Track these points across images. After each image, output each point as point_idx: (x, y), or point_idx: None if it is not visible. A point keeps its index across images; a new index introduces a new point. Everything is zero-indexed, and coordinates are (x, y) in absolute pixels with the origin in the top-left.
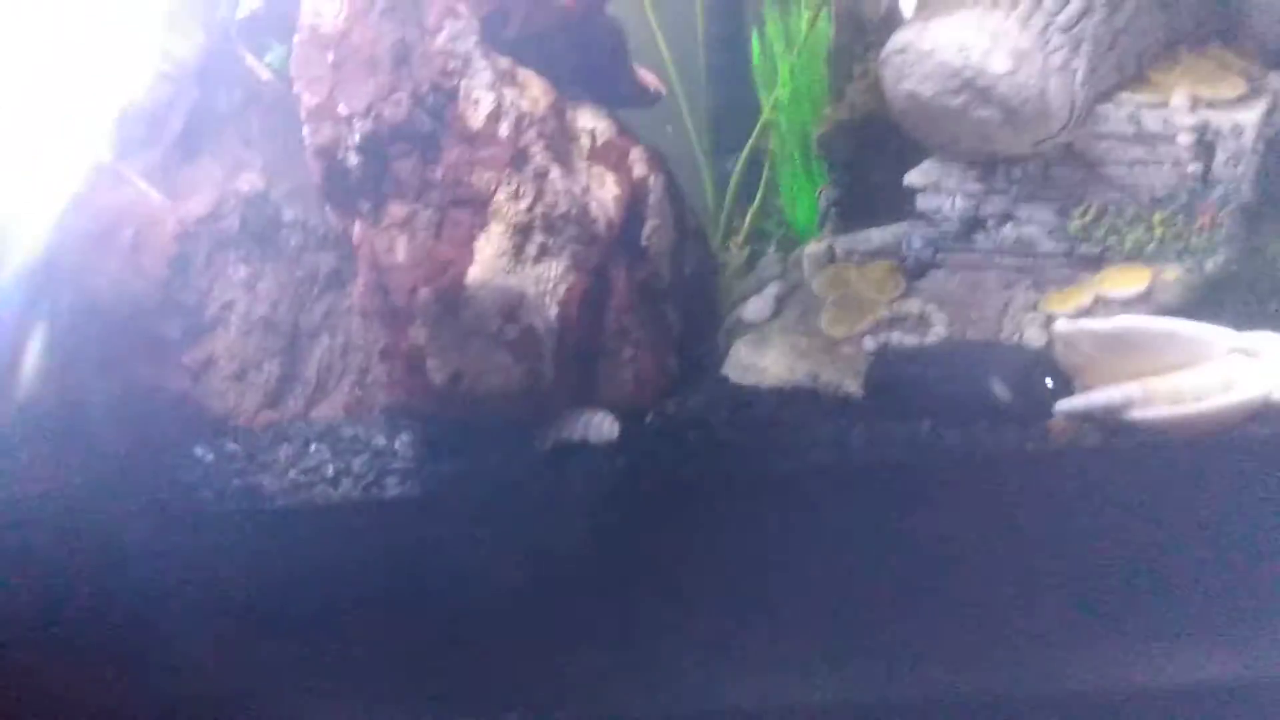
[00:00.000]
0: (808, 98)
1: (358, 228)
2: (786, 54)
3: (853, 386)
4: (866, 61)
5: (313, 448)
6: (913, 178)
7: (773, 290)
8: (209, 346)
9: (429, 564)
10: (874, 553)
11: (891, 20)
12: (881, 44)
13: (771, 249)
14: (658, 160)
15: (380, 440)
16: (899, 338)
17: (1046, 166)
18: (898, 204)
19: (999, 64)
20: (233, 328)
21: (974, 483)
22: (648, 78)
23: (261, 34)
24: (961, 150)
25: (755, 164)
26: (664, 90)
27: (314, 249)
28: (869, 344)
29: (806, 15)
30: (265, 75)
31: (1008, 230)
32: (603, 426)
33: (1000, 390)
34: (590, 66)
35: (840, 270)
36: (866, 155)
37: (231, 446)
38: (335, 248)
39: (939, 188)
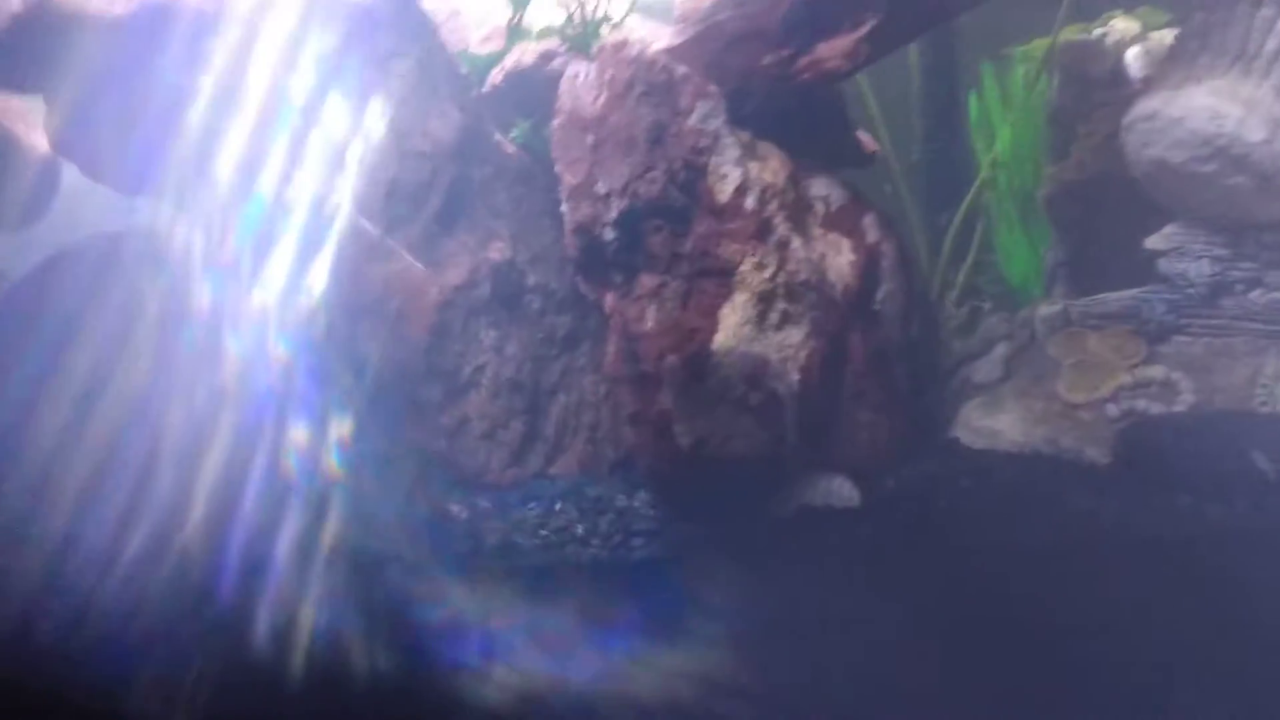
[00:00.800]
0: (1028, 156)
1: (609, 298)
2: (1006, 113)
3: (1096, 454)
4: (1093, 121)
5: (558, 506)
6: (1155, 242)
7: (1001, 351)
8: (463, 408)
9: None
10: (1140, 626)
11: (1118, 80)
12: (1108, 104)
13: (986, 307)
14: (889, 225)
15: (622, 500)
16: (1145, 405)
17: None
18: (1132, 267)
19: (1254, 132)
20: (484, 389)
21: (1242, 559)
22: (864, 139)
23: (504, 109)
24: (1208, 215)
25: (969, 222)
26: (879, 150)
27: (553, 312)
28: (1112, 410)
29: (1025, 73)
30: (510, 150)
31: (1256, 295)
32: (843, 491)
33: (1263, 463)
34: (816, 133)
35: (1077, 334)
36: (1097, 216)
37: (483, 504)
38: (571, 310)
39: (1183, 252)
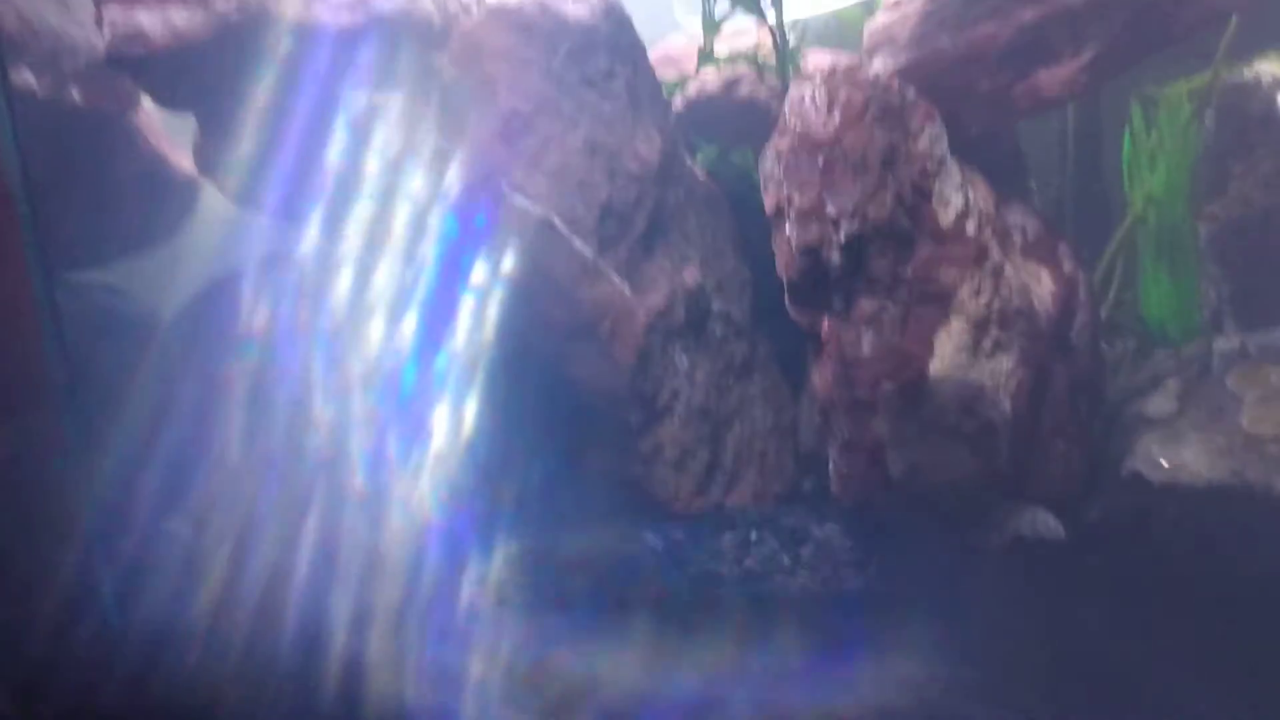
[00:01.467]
0: (1179, 194)
1: (826, 322)
2: (1160, 150)
3: None
4: (1252, 159)
5: (754, 535)
6: None
7: (1173, 386)
8: (659, 434)
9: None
10: None
11: (1272, 120)
12: (1266, 144)
13: (1132, 345)
14: (1080, 256)
15: (818, 530)
16: None
17: None
18: None
19: None
20: (677, 416)
21: None
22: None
23: (687, 133)
24: None
25: (1113, 259)
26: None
27: (732, 339)
28: None
29: (1179, 111)
30: (700, 174)
31: None
32: (1048, 524)
33: None
34: (999, 163)
35: (1258, 367)
36: (1264, 252)
37: (677, 534)
38: (747, 338)
39: None
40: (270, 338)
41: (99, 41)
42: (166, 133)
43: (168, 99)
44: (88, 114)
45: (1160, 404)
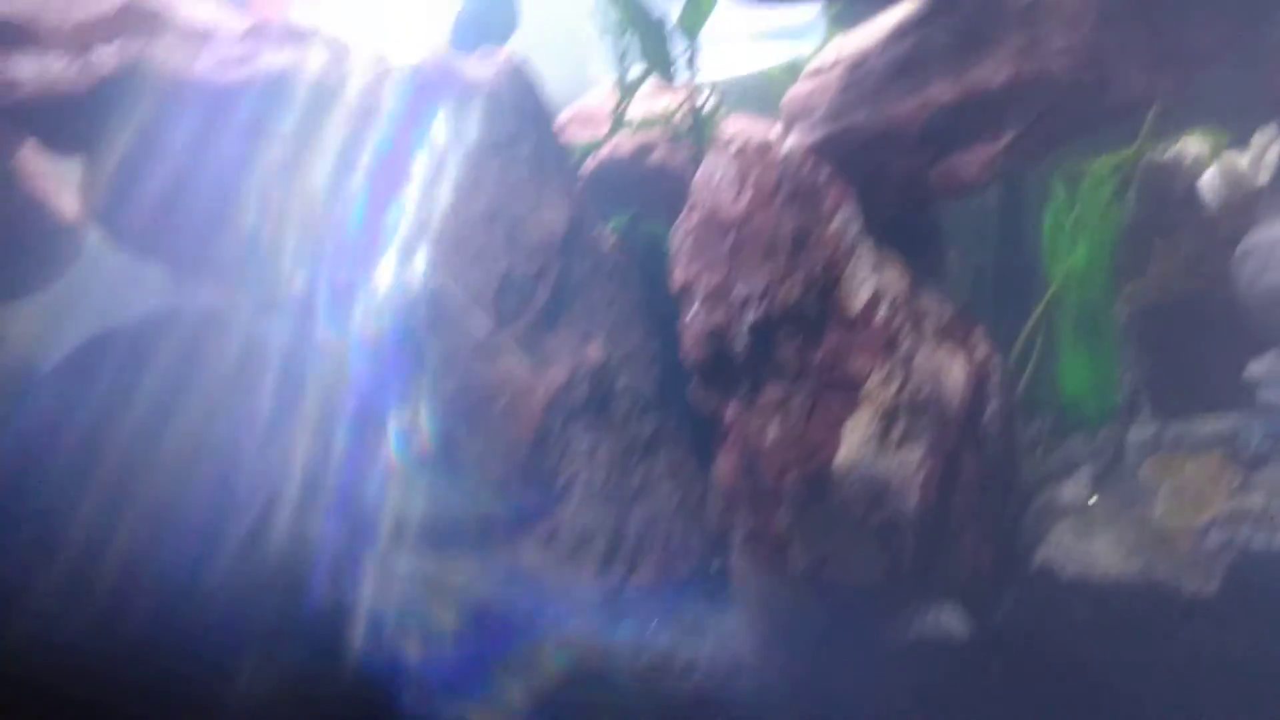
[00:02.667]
0: (1099, 272)
1: (731, 408)
2: (1081, 226)
3: (1197, 585)
4: (1173, 240)
5: (651, 627)
6: (1256, 370)
7: (1087, 473)
8: (557, 518)
9: None
10: None
11: (1194, 201)
12: (1187, 224)
13: (1048, 423)
14: (994, 341)
15: (720, 623)
16: (1248, 535)
17: None
18: (1218, 390)
19: None
20: (576, 498)
21: None
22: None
23: (597, 199)
24: None
25: (1032, 335)
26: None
27: (638, 416)
28: (1213, 540)
29: (1100, 189)
30: (609, 243)
31: None
32: (953, 623)
33: None
34: (916, 242)
35: (1171, 458)
36: (1181, 337)
37: (575, 622)
38: (654, 414)
39: None
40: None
41: None
42: (51, 174)
43: (49, 144)
44: None
45: (1074, 491)
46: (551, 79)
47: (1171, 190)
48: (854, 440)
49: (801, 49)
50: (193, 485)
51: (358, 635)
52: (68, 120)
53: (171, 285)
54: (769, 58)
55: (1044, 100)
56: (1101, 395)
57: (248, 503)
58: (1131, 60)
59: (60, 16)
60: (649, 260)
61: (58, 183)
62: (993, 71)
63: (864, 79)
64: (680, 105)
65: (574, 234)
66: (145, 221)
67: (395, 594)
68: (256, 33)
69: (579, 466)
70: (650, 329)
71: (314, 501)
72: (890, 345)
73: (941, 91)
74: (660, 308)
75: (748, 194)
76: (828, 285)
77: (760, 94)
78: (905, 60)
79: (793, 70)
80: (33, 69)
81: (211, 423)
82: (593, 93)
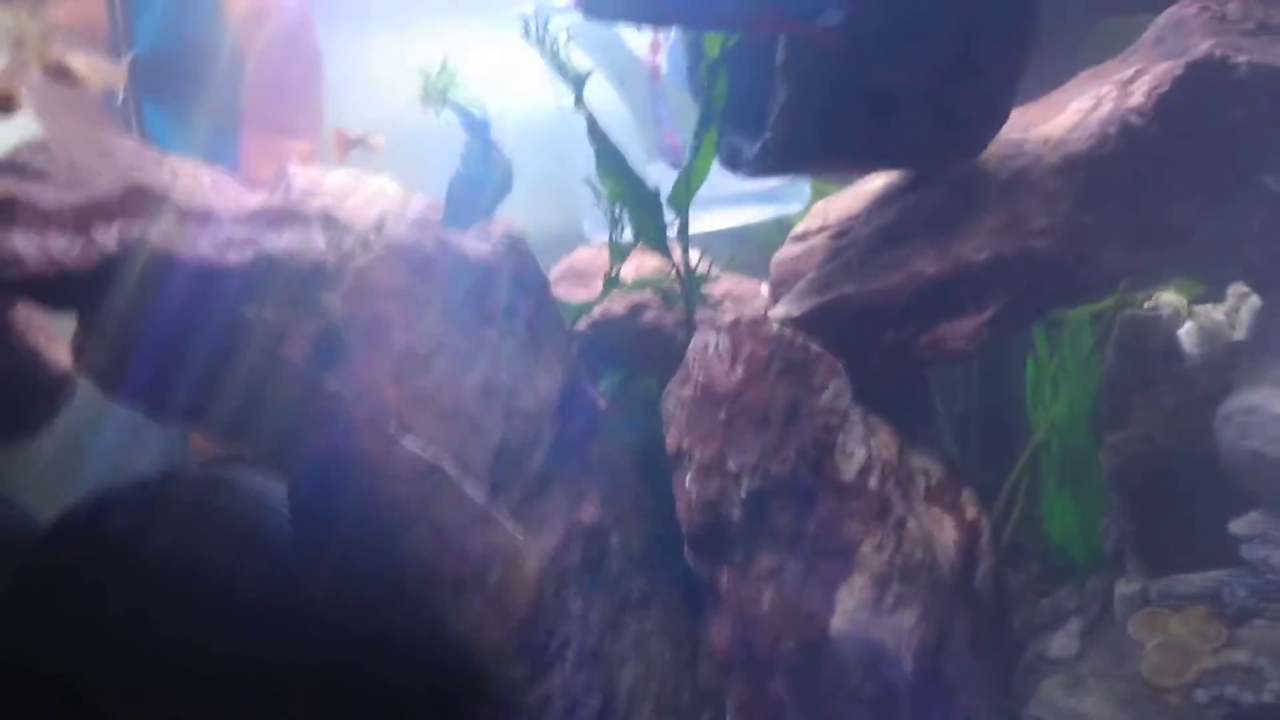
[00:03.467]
0: (1081, 422)
1: (725, 577)
2: (1063, 375)
3: None
4: (1153, 393)
5: None
6: (1239, 527)
7: (1075, 626)
8: (548, 684)
9: None
10: None
11: (1172, 354)
12: (1168, 379)
13: (1035, 571)
14: (978, 487)
15: None
16: (1235, 692)
17: None
18: (1203, 545)
19: None
20: (568, 664)
21: None
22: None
23: (588, 358)
24: None
25: (1016, 484)
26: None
27: (630, 573)
28: (1200, 696)
29: (1081, 341)
30: (601, 404)
31: None
32: None
33: None
34: (905, 405)
35: (1157, 614)
36: (1167, 490)
37: None
38: (644, 572)
39: (1266, 539)
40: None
41: None
42: (44, 326)
43: (47, 308)
44: None
45: (1062, 644)
46: (545, 235)
47: (1150, 342)
48: (849, 607)
49: (785, 210)
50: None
51: None
52: (68, 293)
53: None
54: (753, 216)
55: (1026, 276)
56: (1087, 542)
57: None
58: (1109, 238)
59: (61, 193)
60: (641, 418)
61: (50, 336)
62: (976, 249)
63: (850, 246)
64: (671, 270)
65: (568, 398)
66: (144, 384)
67: None
68: (258, 216)
69: (571, 630)
70: (642, 486)
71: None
72: (882, 512)
73: (927, 264)
74: (651, 465)
75: (740, 368)
76: (820, 456)
77: (744, 249)
78: (890, 229)
79: (778, 227)
80: (33, 246)
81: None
82: (583, 250)
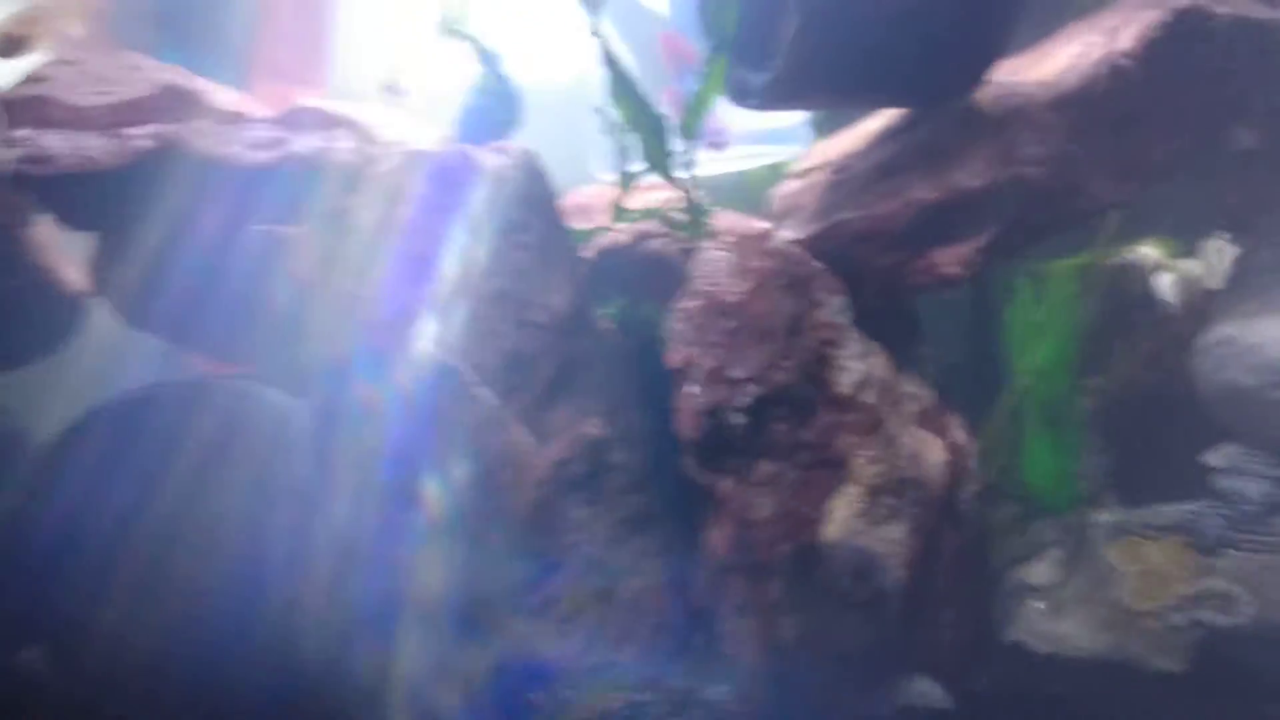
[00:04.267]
0: (1062, 368)
1: (725, 484)
2: (1047, 323)
3: (1166, 662)
4: (1132, 338)
5: (647, 696)
6: (1213, 459)
7: (1056, 555)
8: (549, 588)
9: None
10: None
11: (1151, 302)
12: (1145, 324)
13: (1010, 509)
14: (970, 427)
15: (709, 693)
16: (1210, 616)
17: None
18: (1178, 479)
19: None
20: (570, 569)
21: None
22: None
23: (595, 284)
24: (1271, 438)
25: (999, 427)
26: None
27: (631, 491)
28: (1178, 619)
29: (1063, 290)
30: (606, 325)
31: None
32: (936, 694)
33: None
34: (898, 335)
35: (1136, 544)
36: (1144, 429)
37: (566, 693)
38: (645, 490)
39: (1240, 470)
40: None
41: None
42: (57, 246)
43: (67, 218)
44: None
45: (1043, 572)
46: (551, 170)
47: (1130, 293)
48: (841, 515)
49: (781, 152)
50: (222, 561)
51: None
52: (95, 196)
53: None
54: (752, 159)
55: (1019, 203)
56: (1064, 483)
57: (278, 577)
58: (1098, 169)
59: (93, 96)
60: (643, 342)
61: (63, 255)
62: (971, 176)
63: (849, 180)
64: (677, 199)
65: (575, 316)
66: (169, 301)
67: (406, 671)
68: (288, 118)
69: (574, 539)
70: (642, 409)
71: (344, 576)
72: (875, 427)
73: (923, 191)
74: (652, 389)
75: (747, 281)
76: (819, 368)
77: (741, 193)
78: (888, 163)
79: (774, 172)
80: (67, 144)
81: (240, 496)
82: (588, 186)
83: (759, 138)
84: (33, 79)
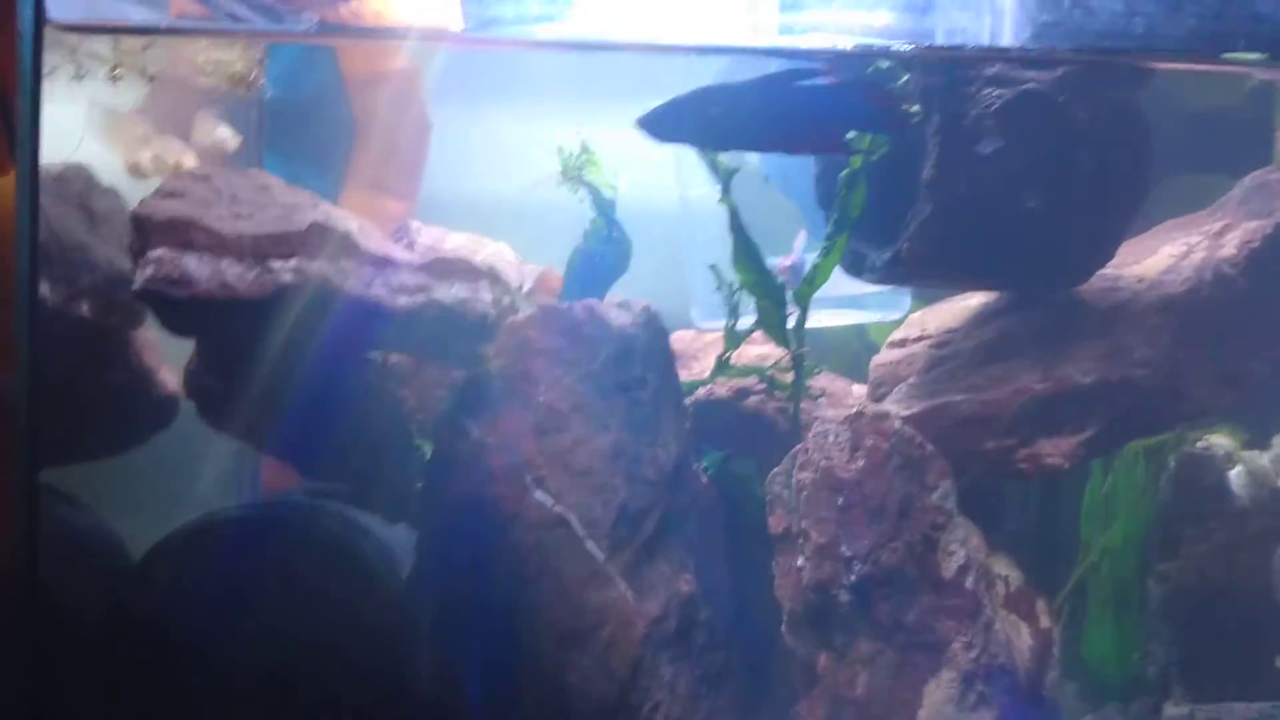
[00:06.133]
0: (1132, 548)
1: (824, 658)
2: (1117, 504)
3: None
4: (1205, 528)
5: None
6: None
7: None
8: None
9: None
10: None
11: (1224, 493)
12: (1218, 515)
13: (1071, 689)
14: (1053, 612)
15: None
16: None
17: None
18: (1245, 677)
19: None
20: None
21: None
22: None
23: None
24: None
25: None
26: None
27: (712, 648)
28: None
29: (1139, 472)
30: (703, 480)
31: None
32: None
33: None
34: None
35: None
36: (1215, 623)
37: None
38: (724, 646)
39: None
40: None
41: (121, 260)
42: (157, 347)
43: (180, 330)
44: (90, 324)
45: None
46: None
47: (1202, 480)
48: (935, 699)
49: (885, 316)
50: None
51: None
52: (218, 319)
53: None
54: (852, 319)
55: (1125, 402)
56: (1122, 667)
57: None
58: (1200, 375)
59: (232, 221)
60: (735, 498)
61: (161, 356)
62: (1081, 371)
63: (954, 357)
64: (780, 359)
65: (680, 471)
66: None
67: None
68: (434, 265)
69: (663, 696)
70: (730, 566)
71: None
72: (974, 612)
73: (1033, 381)
74: (740, 546)
75: (861, 459)
76: (925, 551)
77: (819, 349)
78: (993, 345)
79: (856, 333)
80: (206, 269)
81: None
82: (683, 333)
83: (847, 303)
84: (166, 193)
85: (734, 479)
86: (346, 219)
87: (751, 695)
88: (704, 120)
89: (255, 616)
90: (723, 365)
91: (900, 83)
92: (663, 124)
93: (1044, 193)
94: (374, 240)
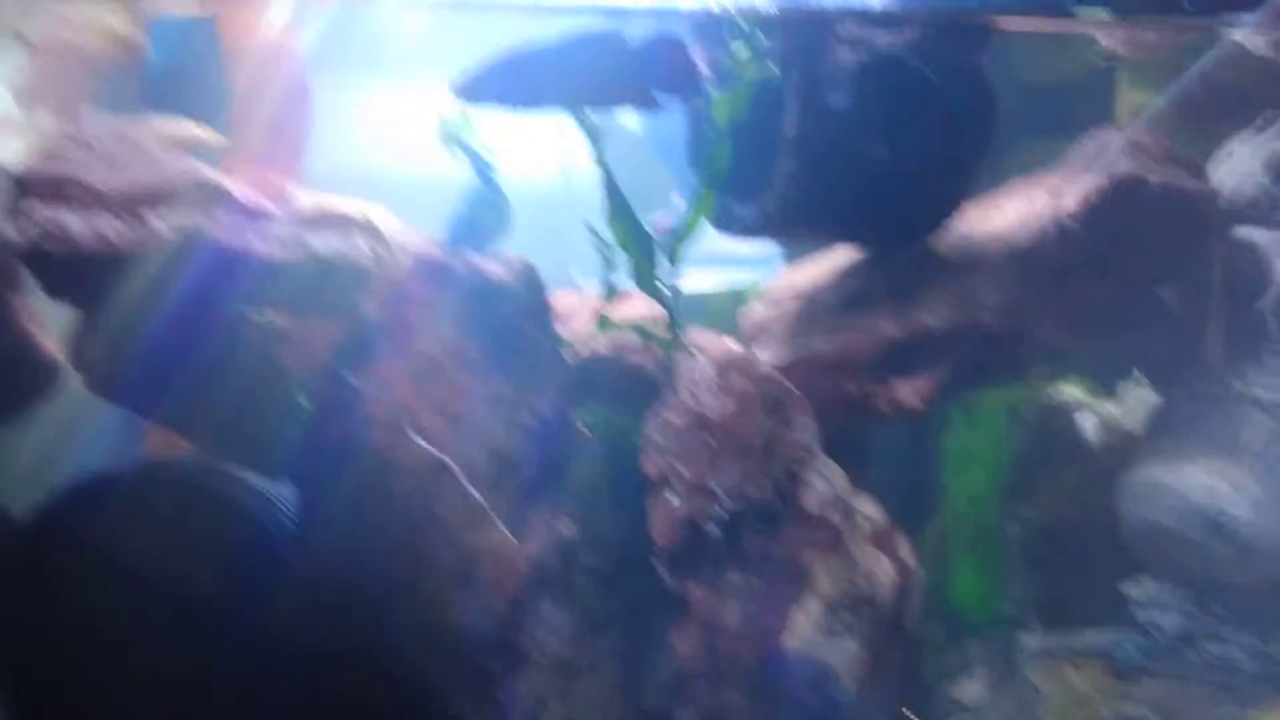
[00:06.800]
0: (991, 495)
1: (696, 591)
2: (977, 453)
3: None
4: (1058, 472)
5: None
6: (1132, 590)
7: (983, 675)
8: (516, 683)
9: None
10: None
11: (1076, 439)
12: (1071, 460)
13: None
14: (915, 549)
15: None
16: None
17: (1257, 596)
18: (1097, 607)
19: (1243, 511)
20: (536, 665)
21: None
22: None
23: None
24: (1186, 573)
25: (929, 548)
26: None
27: (595, 592)
28: None
29: (995, 421)
30: (583, 431)
31: (1213, 648)
32: None
33: None
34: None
35: (1057, 666)
36: (1067, 558)
37: None
38: (609, 594)
39: (1158, 603)
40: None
41: None
42: (39, 315)
43: (58, 292)
44: None
45: (972, 691)
46: None
47: (1055, 429)
48: (801, 627)
49: (738, 277)
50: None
51: None
52: (96, 276)
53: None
54: (710, 281)
55: (973, 344)
56: (987, 605)
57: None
58: (1044, 320)
59: (110, 179)
60: (617, 449)
61: (43, 324)
62: (935, 316)
63: (819, 310)
64: (658, 316)
65: (558, 420)
66: (147, 376)
67: None
68: (310, 217)
69: (543, 636)
70: (613, 514)
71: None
72: (836, 544)
73: (889, 327)
74: (622, 496)
75: (730, 401)
76: (789, 486)
77: (701, 312)
78: (856, 297)
79: (734, 296)
80: (84, 225)
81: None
82: (569, 293)
83: (715, 259)
84: (49, 157)
85: (614, 429)
86: (219, 174)
87: (641, 639)
88: (513, 82)
89: (137, 575)
90: (604, 322)
91: (732, 44)
92: (475, 88)
93: (895, 148)
94: (248, 193)
